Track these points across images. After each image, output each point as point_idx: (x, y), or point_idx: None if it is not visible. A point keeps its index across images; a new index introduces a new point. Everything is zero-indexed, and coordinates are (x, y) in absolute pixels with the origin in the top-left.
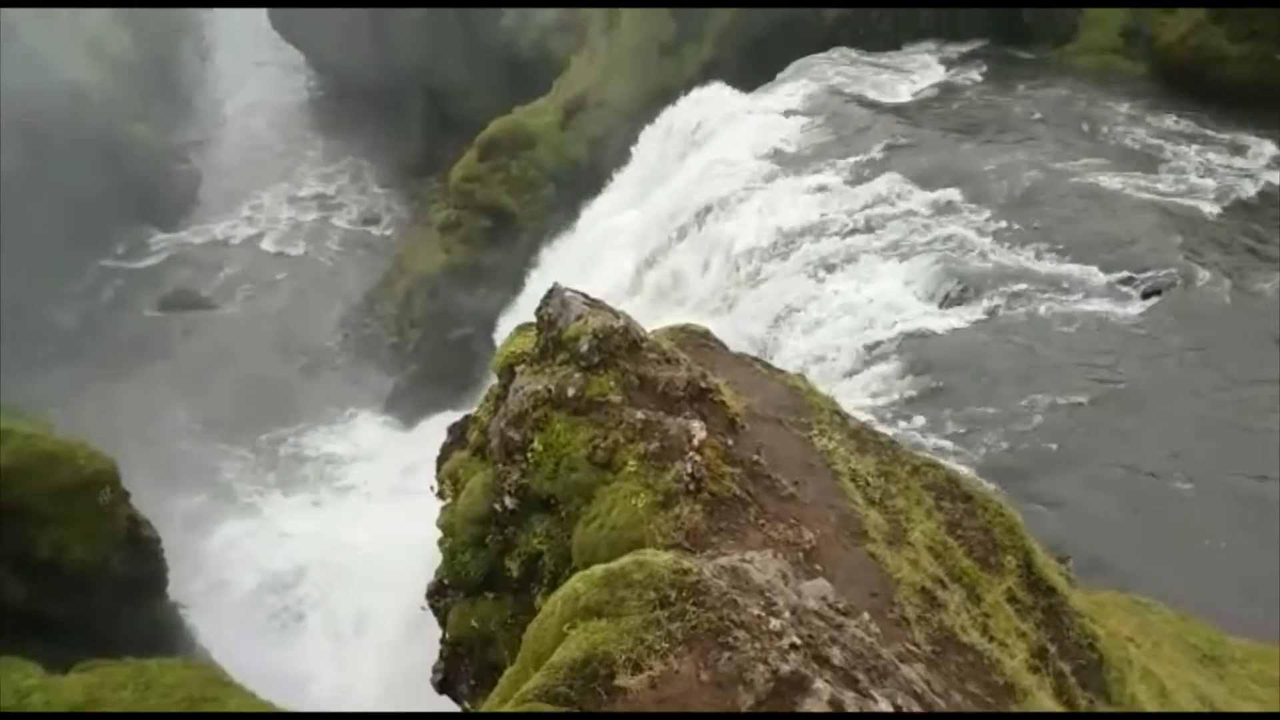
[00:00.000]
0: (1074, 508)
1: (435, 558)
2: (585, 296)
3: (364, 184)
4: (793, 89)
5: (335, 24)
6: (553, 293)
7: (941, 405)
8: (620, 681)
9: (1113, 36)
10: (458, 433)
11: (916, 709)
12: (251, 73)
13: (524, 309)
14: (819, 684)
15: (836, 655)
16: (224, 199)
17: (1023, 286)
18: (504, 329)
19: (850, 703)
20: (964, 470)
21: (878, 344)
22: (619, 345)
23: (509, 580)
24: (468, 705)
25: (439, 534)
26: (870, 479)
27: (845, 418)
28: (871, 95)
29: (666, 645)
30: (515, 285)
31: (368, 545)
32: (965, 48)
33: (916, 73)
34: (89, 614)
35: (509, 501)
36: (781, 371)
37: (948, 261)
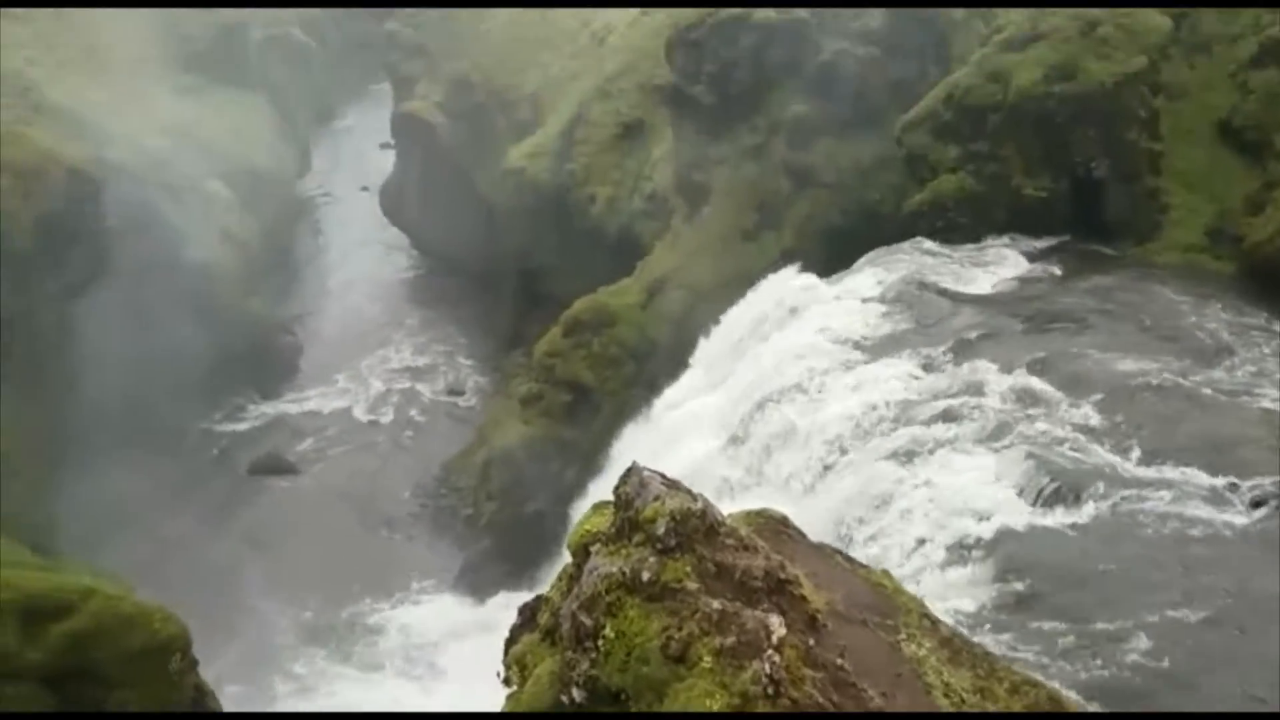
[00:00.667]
0: None
1: None
2: (663, 476)
3: (453, 357)
4: (871, 276)
5: (439, 210)
6: (631, 471)
7: (1037, 614)
8: None
9: (1197, 235)
10: (528, 614)
11: None
12: (358, 251)
13: (600, 487)
14: None
15: None
16: (322, 368)
17: (1120, 488)
18: (579, 506)
19: None
20: (1065, 691)
21: (966, 541)
22: (696, 529)
23: None
24: None
25: None
26: (965, 694)
27: (935, 622)
28: (951, 285)
29: None
30: (593, 462)
31: None
32: (1045, 243)
33: (996, 265)
34: None
35: (577, 694)
36: (864, 566)
37: (1040, 457)
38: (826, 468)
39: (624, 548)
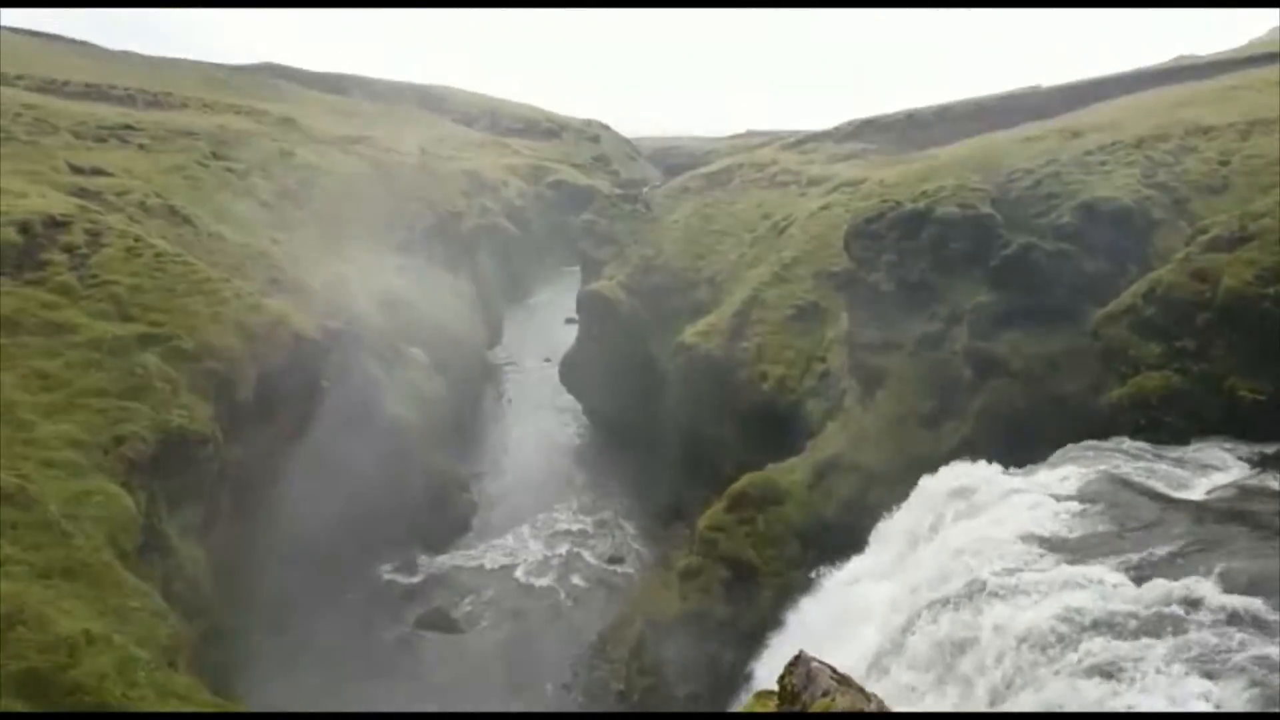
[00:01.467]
0: None
1: None
2: (833, 670)
3: (616, 524)
4: (1065, 473)
5: (611, 378)
6: (799, 661)
7: None
8: None
9: None
10: None
11: None
12: (536, 418)
13: (761, 672)
14: None
15: None
16: (492, 528)
17: None
18: (739, 692)
19: None
20: None
21: None
22: None
23: None
24: None
25: None
26: None
27: None
28: (1157, 487)
29: None
30: (752, 644)
31: None
32: (1268, 449)
33: (1210, 470)
34: None
35: None
36: None
37: (1263, 684)
38: (1012, 678)
39: None
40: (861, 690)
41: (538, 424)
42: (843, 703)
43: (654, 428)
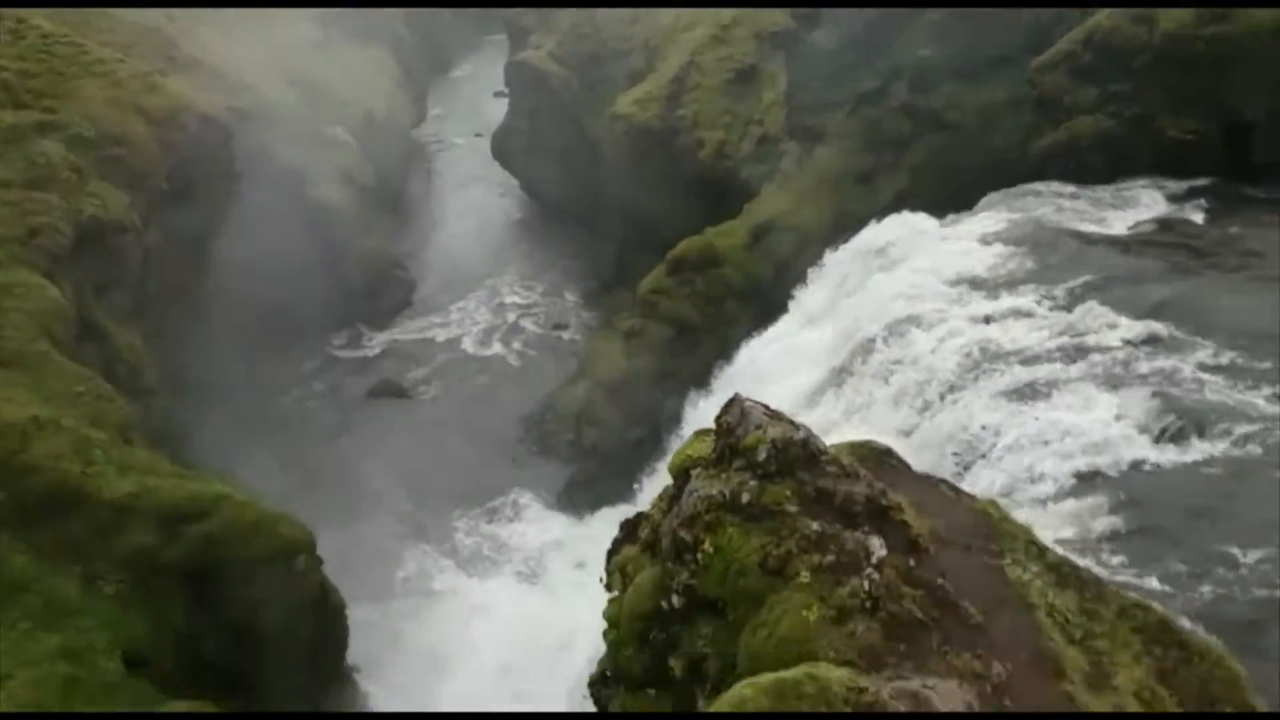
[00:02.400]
0: None
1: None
2: (765, 407)
3: (558, 294)
4: (993, 217)
5: (546, 153)
6: (733, 401)
7: (1151, 545)
8: None
9: None
10: (629, 528)
11: None
12: (469, 195)
13: (700, 416)
14: None
15: None
16: (433, 303)
17: (1248, 428)
18: (678, 434)
19: None
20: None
21: (1082, 474)
22: (797, 456)
23: (672, 678)
24: None
25: (605, 625)
26: (1070, 616)
27: (1043, 549)
28: (1080, 227)
29: None
30: (692, 394)
31: (533, 625)
32: (1187, 184)
33: (1131, 207)
34: (277, 672)
35: (676, 600)
36: (970, 496)
37: (1164, 395)
38: (933, 404)
39: (724, 472)
40: (791, 421)
41: (472, 201)
42: (773, 433)
43: (593, 200)
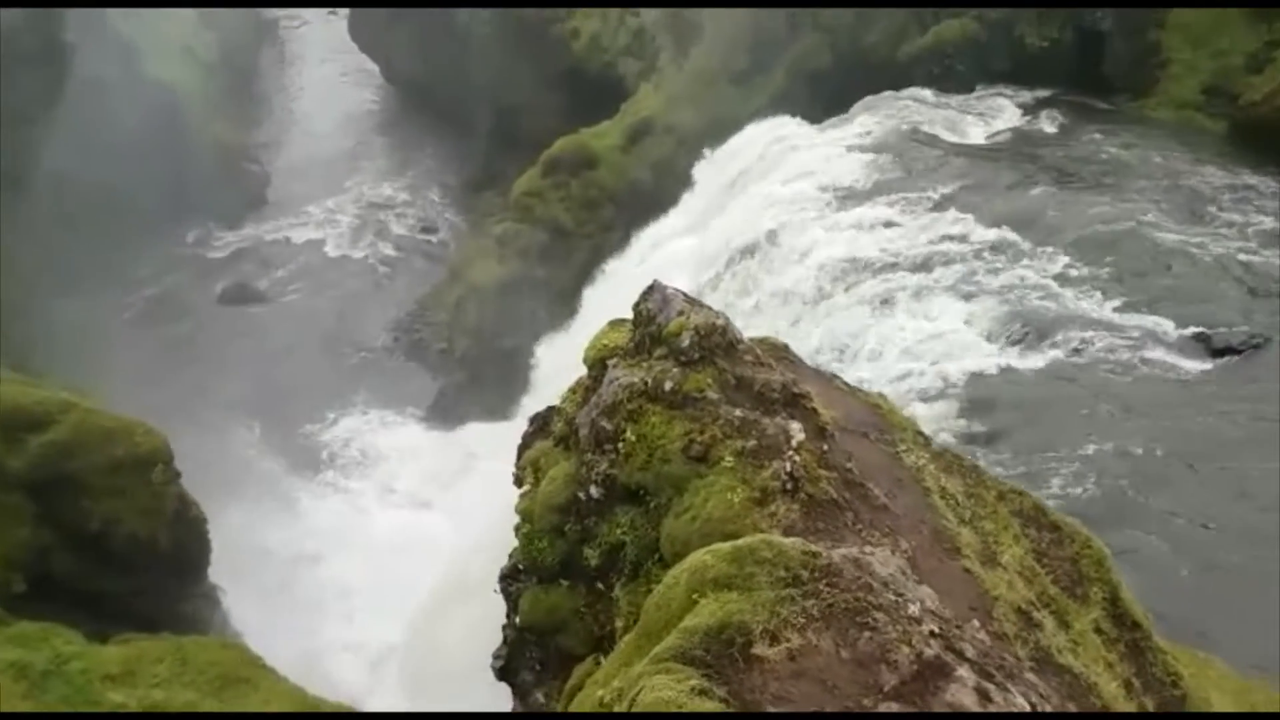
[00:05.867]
0: (1132, 557)
1: (462, 555)
2: (685, 294)
3: (425, 194)
4: (862, 124)
5: (409, 37)
6: (653, 289)
7: (999, 447)
8: (758, 651)
9: (1194, 93)
10: (540, 423)
11: (1049, 709)
12: (326, 81)
13: (578, 325)
14: (962, 671)
15: (969, 649)
16: (290, 200)
17: (1089, 334)
18: (556, 343)
19: (994, 693)
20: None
21: (935, 381)
22: (718, 344)
23: (586, 569)
24: (532, 693)
25: (516, 519)
26: (960, 498)
27: (928, 439)
28: (943, 135)
29: (803, 620)
30: (568, 301)
31: (395, 537)
32: (1042, 94)
33: (990, 116)
34: (132, 589)
35: (594, 491)
36: (861, 390)
37: (1012, 303)
38: (801, 314)
39: (644, 360)
40: (709, 308)
41: (330, 88)
42: (696, 319)
43: (461, 93)
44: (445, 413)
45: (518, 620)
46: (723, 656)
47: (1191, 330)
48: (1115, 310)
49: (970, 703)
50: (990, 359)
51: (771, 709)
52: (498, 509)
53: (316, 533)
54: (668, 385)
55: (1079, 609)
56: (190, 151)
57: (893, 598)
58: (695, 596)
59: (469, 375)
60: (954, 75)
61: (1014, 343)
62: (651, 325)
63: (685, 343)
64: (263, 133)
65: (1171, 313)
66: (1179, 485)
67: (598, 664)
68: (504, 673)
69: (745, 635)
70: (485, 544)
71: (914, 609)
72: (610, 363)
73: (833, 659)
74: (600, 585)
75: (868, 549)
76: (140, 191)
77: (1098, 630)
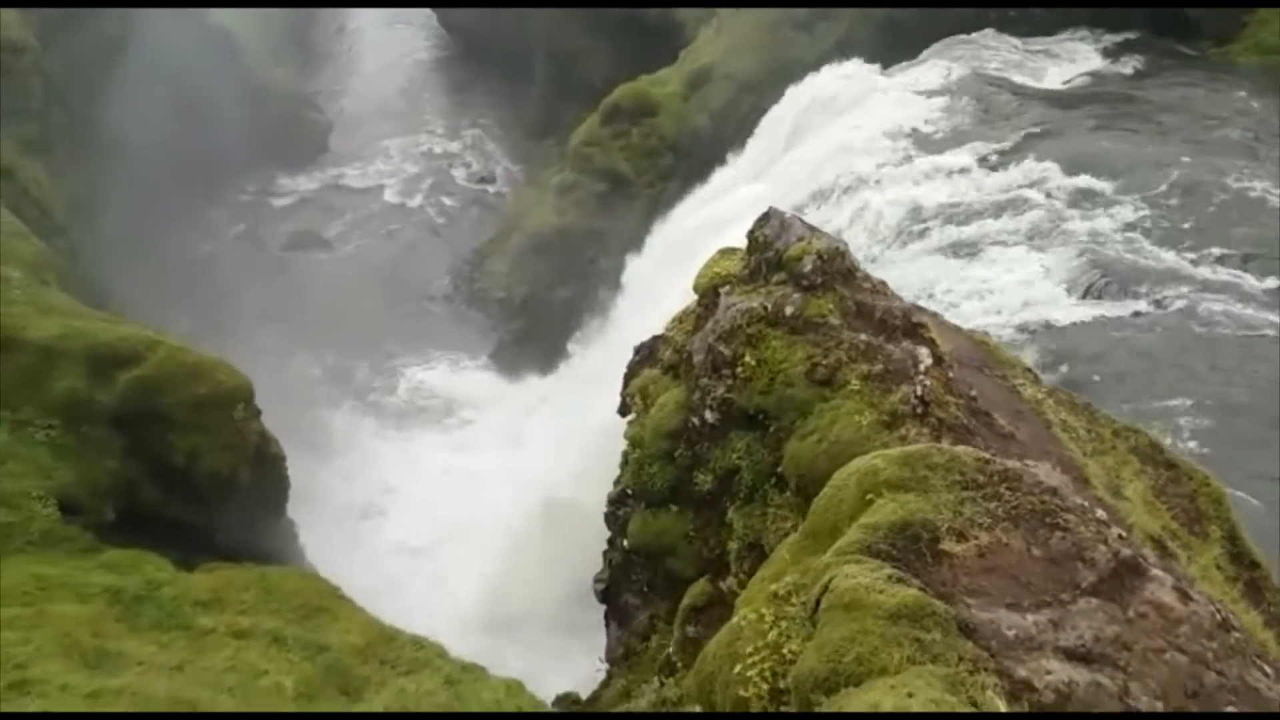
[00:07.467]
0: None
1: (541, 491)
2: (803, 220)
3: (483, 142)
4: (934, 69)
5: None
6: (770, 215)
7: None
8: (945, 546)
9: None
10: (646, 352)
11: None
12: (385, 30)
13: (637, 273)
14: (1157, 571)
15: (1150, 555)
16: (350, 148)
17: (1169, 285)
18: (620, 292)
19: (1193, 592)
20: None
21: (1014, 331)
22: (839, 269)
23: (696, 494)
24: (636, 615)
25: (627, 445)
26: (1081, 431)
27: (1038, 376)
28: (1019, 80)
29: (989, 520)
30: (628, 251)
31: (469, 477)
32: (1122, 38)
33: (1069, 60)
34: (215, 522)
35: (709, 416)
36: (965, 328)
37: (1091, 253)
38: (874, 260)
39: (762, 287)
40: (829, 235)
41: (389, 37)
42: (818, 245)
43: (518, 40)
44: (508, 358)
45: (625, 543)
46: (910, 551)
47: (1276, 283)
48: (1196, 262)
49: (1171, 600)
50: (1070, 310)
51: (967, 600)
52: (572, 447)
53: (390, 472)
54: (789, 310)
55: (1200, 545)
56: (254, 99)
57: (1079, 500)
58: (870, 497)
59: (526, 324)
60: (1031, 19)
61: (1094, 294)
62: (769, 251)
63: (807, 267)
64: (322, 80)
65: (1257, 266)
66: (1272, 444)
67: (712, 584)
68: (606, 596)
69: (931, 531)
70: (562, 479)
71: (1101, 512)
72: (723, 290)
73: (1024, 556)
74: (710, 510)
75: (1028, 461)
76: (207, 139)
77: (1218, 567)
